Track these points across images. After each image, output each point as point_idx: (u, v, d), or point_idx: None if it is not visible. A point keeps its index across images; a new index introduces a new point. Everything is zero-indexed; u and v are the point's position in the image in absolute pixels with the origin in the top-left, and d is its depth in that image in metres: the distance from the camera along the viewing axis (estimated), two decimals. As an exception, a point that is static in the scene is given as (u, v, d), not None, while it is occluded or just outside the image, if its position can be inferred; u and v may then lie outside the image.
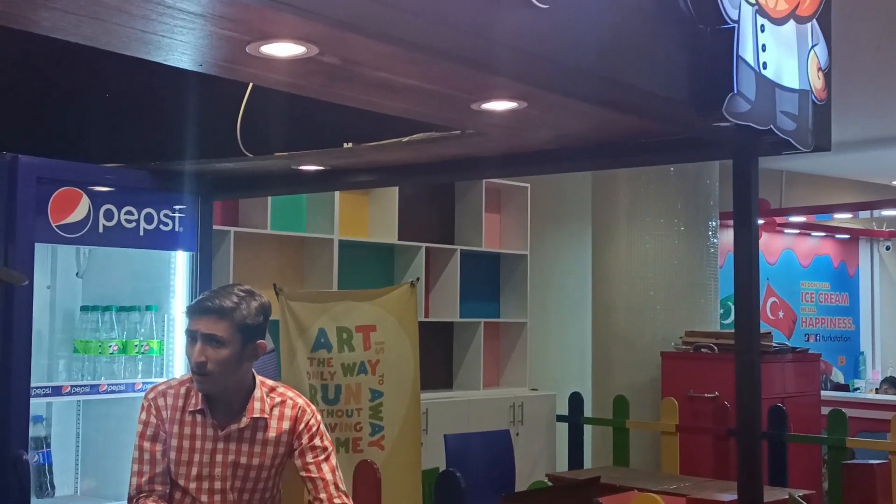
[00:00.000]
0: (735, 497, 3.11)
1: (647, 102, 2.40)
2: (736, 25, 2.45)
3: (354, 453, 4.82)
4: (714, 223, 7.11)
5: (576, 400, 6.63)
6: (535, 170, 3.71)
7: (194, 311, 2.80)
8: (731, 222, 9.17)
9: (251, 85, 3.08)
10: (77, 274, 3.82)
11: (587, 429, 6.81)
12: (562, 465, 6.70)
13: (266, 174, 3.64)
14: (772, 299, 9.62)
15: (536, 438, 6.73)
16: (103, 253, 3.74)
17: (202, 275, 3.67)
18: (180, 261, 3.72)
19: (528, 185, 7.07)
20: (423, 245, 6.48)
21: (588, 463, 6.82)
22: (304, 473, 2.95)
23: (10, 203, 3.17)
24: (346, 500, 2.96)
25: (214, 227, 5.41)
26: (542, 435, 6.79)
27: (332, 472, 2.97)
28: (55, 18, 1.88)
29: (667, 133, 2.85)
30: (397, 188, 6.28)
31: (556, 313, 7.79)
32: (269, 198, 5.61)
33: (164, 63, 2.19)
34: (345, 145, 3.19)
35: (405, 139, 3.06)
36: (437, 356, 6.83)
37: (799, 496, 4.76)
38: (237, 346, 2.79)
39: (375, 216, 6.40)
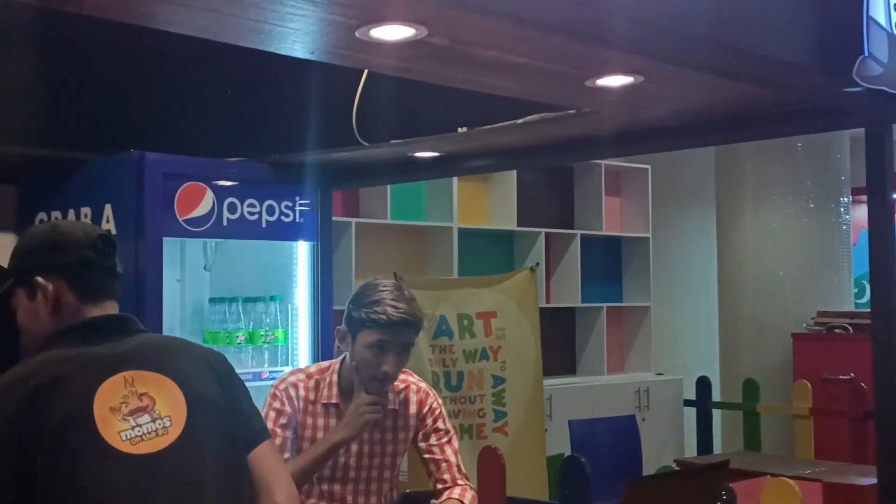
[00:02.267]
0: (874, 481, 2.98)
1: (769, 69, 2.30)
2: (865, -16, 2.33)
3: (478, 440, 4.82)
4: (846, 199, 6.83)
5: (703, 384, 6.48)
6: (653, 147, 3.62)
7: (391, 324, 2.73)
8: (863, 197, 8.83)
9: (365, 73, 3.10)
10: (205, 267, 3.93)
11: (716, 413, 6.66)
12: (690, 450, 6.57)
13: (382, 162, 3.66)
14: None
15: (663, 424, 6.61)
16: (229, 246, 3.83)
17: (324, 264, 3.72)
18: (302, 251, 3.77)
19: (648, 166, 6.94)
20: (543, 231, 6.43)
21: (718, 448, 6.66)
22: (427, 455, 2.95)
23: (139, 199, 3.27)
24: (468, 482, 2.95)
25: (336, 218, 5.52)
26: (668, 420, 6.67)
27: (455, 454, 2.97)
28: (170, 12, 1.92)
29: (792, 102, 2.73)
30: (515, 174, 6.24)
31: (680, 296, 7.63)
32: (389, 188, 5.65)
33: (277, 52, 2.22)
34: (459, 130, 3.18)
35: (520, 121, 3.03)
36: (560, 342, 6.78)
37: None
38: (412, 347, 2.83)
39: (494, 203, 6.38)
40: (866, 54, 2.29)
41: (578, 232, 6.64)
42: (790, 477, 3.85)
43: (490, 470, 3.94)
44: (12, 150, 3.36)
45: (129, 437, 1.77)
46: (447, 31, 2.11)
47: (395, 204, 5.76)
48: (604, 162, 6.71)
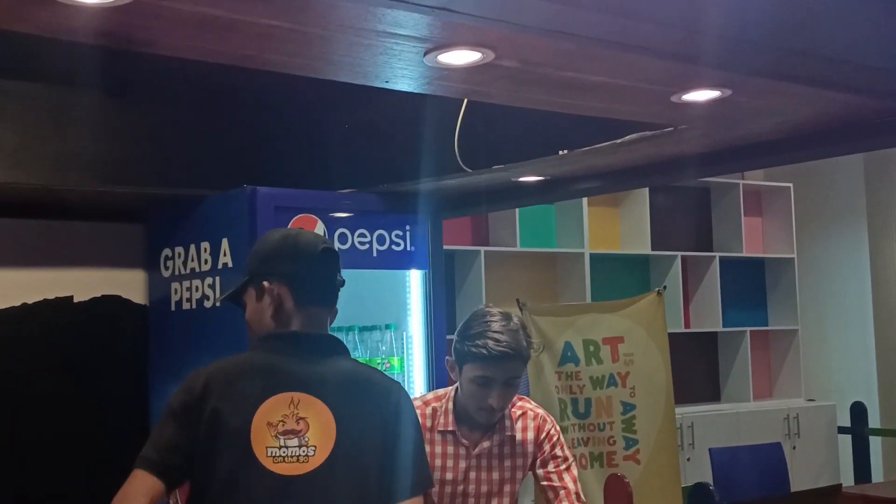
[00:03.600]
0: None
1: (862, 76, 2.20)
2: (961, -21, 2.20)
3: (609, 467, 4.74)
4: None
5: (858, 409, 6.19)
6: (756, 163, 3.51)
7: (491, 358, 2.71)
8: None
9: (465, 101, 3.14)
10: (324, 297, 4.03)
11: (875, 441, 6.32)
12: (847, 479, 6.25)
13: (488, 188, 3.68)
14: None
15: (816, 451, 6.32)
16: (347, 276, 3.91)
17: (436, 292, 3.76)
18: (415, 279, 3.82)
19: (790, 184, 6.70)
20: (679, 254, 6.29)
21: (878, 477, 6.32)
22: (545, 482, 2.92)
23: (252, 232, 3.39)
24: None
25: (465, 247, 5.59)
26: (822, 448, 6.37)
27: (574, 481, 2.93)
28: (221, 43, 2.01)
29: (890, 112, 2.59)
30: (648, 197, 6.15)
31: (831, 318, 7.29)
32: (517, 215, 5.67)
33: (353, 83, 2.28)
34: (559, 152, 3.17)
35: (618, 141, 2.99)
36: (702, 368, 6.59)
37: None
38: (521, 378, 2.83)
39: (627, 227, 6.29)
40: (965, 53, 2.16)
41: (717, 254, 6.47)
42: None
43: (616, 497, 3.89)
44: (139, 191, 3.56)
45: (273, 454, 1.90)
46: (515, 54, 2.12)
47: (525, 231, 5.76)
48: (742, 181, 6.53)
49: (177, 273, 3.72)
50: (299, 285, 2.08)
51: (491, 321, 2.76)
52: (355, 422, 1.97)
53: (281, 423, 1.91)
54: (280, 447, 1.89)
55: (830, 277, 7.31)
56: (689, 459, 5.76)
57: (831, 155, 3.16)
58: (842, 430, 6.31)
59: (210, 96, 3.63)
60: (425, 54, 2.10)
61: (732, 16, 2.12)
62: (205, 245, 3.57)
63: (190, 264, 3.67)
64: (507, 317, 2.79)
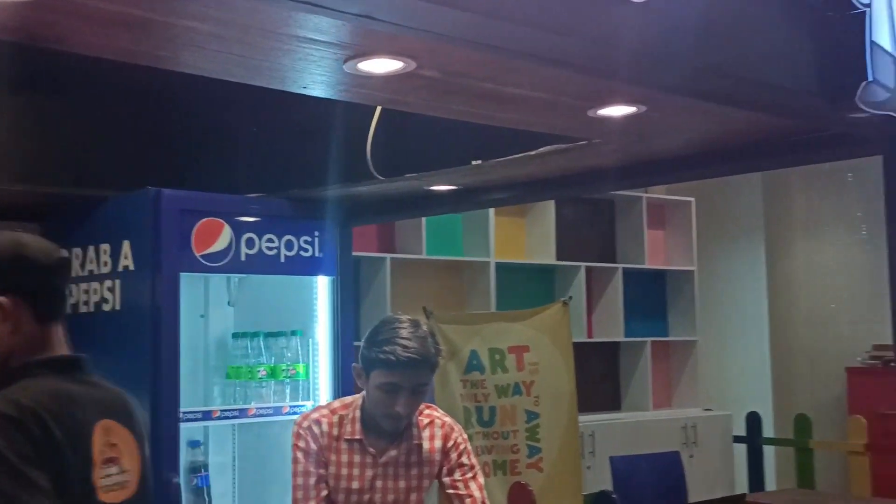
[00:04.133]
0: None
1: (770, 95, 2.25)
2: (868, 9, 2.27)
3: (512, 475, 4.75)
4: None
5: (753, 419, 6.35)
6: (667, 178, 3.58)
7: (399, 365, 2.69)
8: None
9: (379, 109, 3.11)
10: (228, 303, 3.96)
11: (769, 450, 6.50)
12: (741, 487, 6.41)
13: (400, 196, 3.66)
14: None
15: (712, 460, 6.46)
16: (253, 281, 3.85)
17: (343, 299, 3.72)
18: (322, 286, 3.78)
19: (692, 199, 6.85)
20: (583, 265, 6.36)
21: (771, 485, 6.50)
22: (451, 491, 2.91)
23: (156, 235, 3.31)
24: None
25: (371, 254, 5.54)
26: (718, 456, 6.52)
27: (480, 489, 2.93)
28: (155, 48, 1.95)
29: (804, 130, 2.66)
30: (554, 208, 6.20)
31: (729, 330, 7.48)
32: (424, 223, 5.65)
33: (270, 87, 2.23)
34: (473, 163, 3.16)
35: (532, 153, 3.00)
36: (603, 377, 6.68)
37: None
38: (428, 385, 2.81)
39: (533, 237, 6.34)
40: (871, 79, 2.23)
41: (620, 265, 6.57)
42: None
43: (520, 506, 3.90)
44: (37, 189, 3.43)
45: (103, 484, 1.78)
46: (436, 64, 2.11)
47: (432, 239, 5.75)
48: (645, 195, 6.65)
49: (74, 275, 3.60)
50: (38, 299, 1.82)
51: (399, 328, 2.74)
52: (141, 440, 1.92)
53: (101, 451, 1.78)
54: (105, 476, 1.78)
55: (729, 290, 7.51)
56: (589, 467, 5.82)
57: (739, 171, 3.25)
58: (737, 439, 6.47)
59: (114, 94, 3.51)
60: (345, 61, 2.06)
61: (648, 33, 2.14)
62: (104, 247, 3.47)
63: (88, 266, 3.55)
64: (415, 324, 2.78)
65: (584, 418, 6.02)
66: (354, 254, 5.37)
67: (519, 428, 4.84)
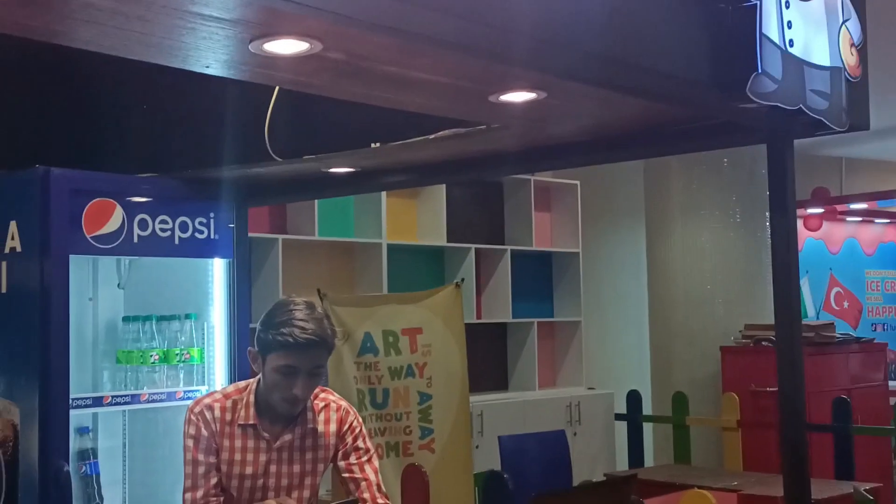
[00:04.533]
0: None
1: (664, 85, 2.33)
2: (759, 2, 2.37)
3: (405, 457, 4.80)
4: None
5: (634, 398, 6.53)
6: (564, 163, 3.65)
7: (297, 346, 2.68)
8: (789, 212, 8.73)
9: (277, 89, 3.08)
10: (118, 285, 3.86)
11: (649, 427, 6.70)
12: (622, 464, 6.60)
13: (298, 178, 3.64)
14: (836, 289, 9.36)
15: (595, 438, 6.64)
16: (144, 263, 3.78)
17: (240, 282, 3.68)
18: (218, 269, 3.73)
19: (577, 182, 7.00)
20: (473, 246, 6.44)
21: (650, 461, 6.71)
22: (346, 474, 2.92)
23: (44, 215, 3.20)
24: (388, 501, 2.93)
25: (262, 234, 5.48)
26: (600, 434, 6.70)
27: (375, 473, 2.95)
28: (53, 23, 1.89)
29: (695, 119, 2.77)
30: (444, 190, 6.25)
31: (611, 311, 7.69)
32: (317, 204, 5.62)
33: (171, 66, 2.19)
34: (372, 145, 3.17)
35: (431, 136, 3.02)
36: (492, 357, 6.78)
37: (865, 489, 4.62)
38: (325, 367, 2.79)
39: (424, 219, 6.38)
40: (760, 71, 2.33)
41: (509, 247, 6.67)
42: (715, 489, 3.89)
43: (414, 487, 3.94)
44: (-85, 167, 3.29)
45: None
46: (342, 46, 2.10)
47: (323, 220, 5.73)
48: (533, 177, 6.76)
49: (-43, 256, 3.47)
50: None
51: (295, 310, 2.74)
52: None
53: None
54: None
55: (612, 272, 7.71)
56: (478, 447, 5.90)
57: (630, 158, 3.34)
58: (619, 416, 6.65)
59: (2, 69, 3.38)
60: (250, 41, 2.04)
61: (549, 20, 2.19)
62: (-10, 227, 3.34)
63: (-28, 248, 3.42)
64: (311, 306, 2.78)
65: (473, 398, 6.09)
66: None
67: (412, 409, 4.88)
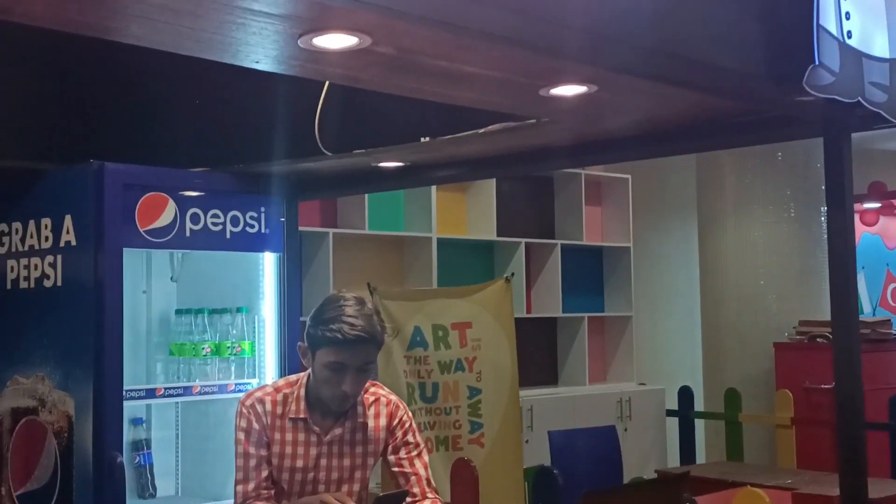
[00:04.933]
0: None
1: (718, 77, 2.29)
2: (815, -7, 2.32)
3: (454, 451, 4.80)
4: (826, 208, 6.82)
5: (685, 394, 6.46)
6: (615, 157, 3.64)
7: (346, 343, 2.68)
8: (845, 206, 8.57)
9: (327, 84, 3.09)
10: (171, 278, 3.91)
11: (700, 424, 6.63)
12: (673, 460, 6.54)
13: (348, 173, 3.65)
14: (893, 285, 9.17)
15: (646, 434, 6.59)
16: (197, 257, 3.81)
17: (290, 275, 3.70)
18: (268, 262, 3.75)
19: (628, 176, 6.93)
20: (523, 241, 6.41)
21: (701, 458, 6.63)
22: (396, 469, 2.93)
23: (98, 209, 3.25)
24: (437, 495, 2.93)
25: (313, 228, 5.52)
26: (651, 430, 6.65)
27: (425, 467, 2.95)
28: (104, 19, 1.91)
29: (749, 112, 2.72)
30: (494, 184, 6.24)
31: (663, 306, 7.61)
32: (367, 198, 5.64)
33: (221, 62, 2.20)
34: (422, 139, 3.17)
35: (481, 131, 3.01)
36: (541, 352, 6.76)
37: (923, 490, 4.53)
38: (375, 363, 2.80)
39: (474, 213, 6.37)
40: (817, 63, 2.28)
41: (559, 242, 6.63)
42: (768, 486, 3.84)
43: (463, 481, 3.93)
44: (-26, 162, 3.35)
45: None
46: (391, 41, 2.10)
47: (374, 214, 5.74)
48: (584, 171, 6.71)
49: (14, 250, 3.52)
50: None
51: (345, 306, 2.74)
52: None
53: None
54: None
55: (662, 267, 7.63)
56: (527, 441, 5.89)
57: (683, 152, 3.31)
58: (670, 412, 6.58)
59: (57, 66, 3.43)
60: (300, 37, 2.05)
61: (600, 13, 2.16)
62: (45, 221, 3.39)
63: (29, 241, 3.47)
64: (360, 301, 2.78)
65: (523, 393, 6.07)
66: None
67: (461, 404, 4.88)
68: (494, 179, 6.20)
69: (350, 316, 2.71)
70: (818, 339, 6.44)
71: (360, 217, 5.67)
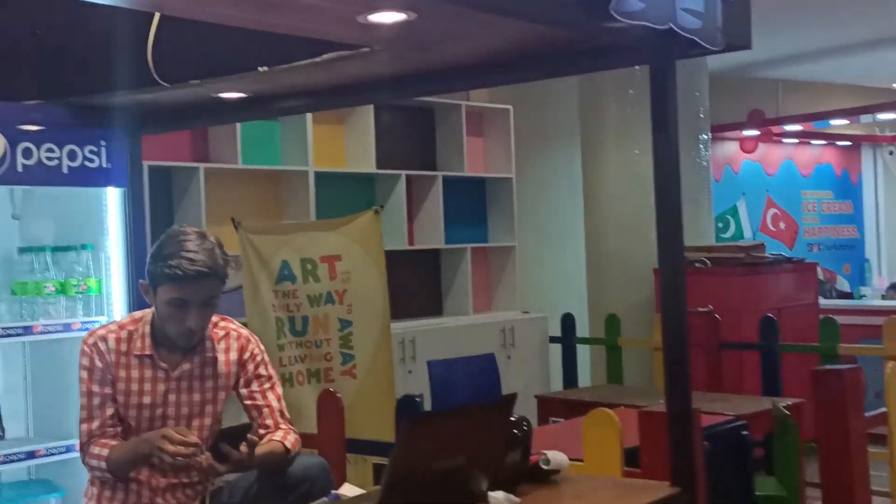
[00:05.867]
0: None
1: (535, 5, 2.28)
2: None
3: (326, 383, 4.81)
4: (706, 136, 6.94)
5: (567, 321, 6.58)
6: (455, 86, 3.64)
7: (187, 279, 2.65)
8: (725, 134, 9.07)
9: (158, 14, 3.00)
10: (13, 216, 3.80)
11: (584, 349, 6.76)
12: (557, 385, 6.67)
13: (190, 104, 3.56)
14: (772, 211, 9.42)
15: (529, 361, 6.69)
16: (40, 194, 3.71)
17: (135, 211, 3.62)
18: (112, 198, 3.67)
19: (510, 106, 6.93)
20: (404, 173, 6.38)
21: (585, 382, 6.78)
22: (248, 402, 2.94)
23: (-78, 146, 3.13)
24: (291, 426, 2.94)
25: (183, 164, 5.40)
26: (534, 357, 6.75)
27: (278, 399, 2.97)
28: None
29: (576, 41, 2.72)
30: (372, 116, 6.17)
31: (547, 236, 7.69)
32: (239, 132, 5.54)
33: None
34: (259, 69, 3.10)
35: (317, 59, 2.96)
36: (425, 284, 6.78)
37: (786, 405, 4.70)
38: (219, 297, 2.76)
39: (352, 145, 6.30)
40: (624, -11, 2.28)
41: (441, 173, 6.62)
42: (638, 406, 3.93)
43: (329, 413, 3.95)
44: None
45: None
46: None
47: (247, 148, 5.64)
48: (465, 102, 6.69)
49: None
50: None
51: (185, 240, 2.71)
52: None
53: None
54: None
55: (546, 197, 7.69)
56: (410, 372, 5.94)
57: (521, 80, 3.31)
58: (553, 339, 6.70)
59: None
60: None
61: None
62: None
63: None
64: (202, 236, 2.75)
65: (406, 324, 6.13)
66: (165, 163, 5.27)
67: (332, 336, 4.88)
68: (372, 110, 6.14)
69: (190, 251, 2.69)
70: (696, 265, 6.59)
71: (232, 151, 5.57)
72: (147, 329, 2.84)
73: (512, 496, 2.30)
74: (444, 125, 6.80)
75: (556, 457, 2.56)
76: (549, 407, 5.52)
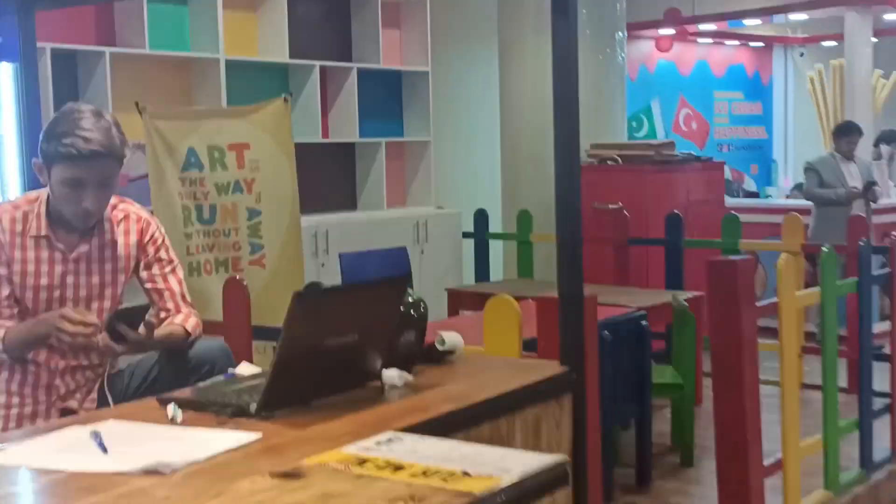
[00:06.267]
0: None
1: None
2: None
3: (235, 272, 4.80)
4: (621, 34, 6.95)
5: (481, 216, 6.65)
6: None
7: (81, 157, 2.57)
8: (641, 33, 9.05)
9: None
10: None
11: (498, 245, 6.84)
12: (469, 280, 6.77)
13: (86, -21, 3.44)
14: (685, 111, 9.53)
15: (442, 255, 6.76)
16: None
17: (28, 88, 3.50)
18: (4, 75, 3.54)
19: (427, -2, 6.83)
20: (318, 63, 6.29)
21: (498, 276, 6.88)
22: (149, 285, 2.92)
23: None
24: (192, 310, 2.93)
25: (87, 47, 5.24)
26: (447, 252, 6.81)
27: (179, 283, 2.95)
28: None
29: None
30: (286, 4, 6.03)
31: (463, 132, 7.69)
32: (146, 15, 5.38)
33: None
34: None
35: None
36: (339, 177, 6.76)
37: (685, 298, 4.85)
38: (117, 178, 2.70)
39: (265, 33, 6.17)
40: None
41: (356, 65, 6.54)
42: (537, 298, 4.01)
43: (233, 300, 3.95)
44: None
45: None
46: None
47: (155, 33, 5.48)
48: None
49: None
50: None
51: (80, 118, 2.64)
52: None
53: None
54: None
55: (464, 92, 7.66)
56: (323, 265, 5.96)
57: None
58: (466, 234, 6.77)
59: None
60: None
61: None
62: None
63: None
64: (97, 113, 2.68)
65: (320, 217, 6.12)
66: (69, 46, 5.11)
67: (240, 226, 4.85)
68: (286, -2, 6.01)
69: (85, 129, 2.62)
70: (608, 162, 6.67)
71: (139, 36, 5.41)
72: (42, 209, 2.78)
73: (405, 373, 2.34)
74: (360, 15, 6.69)
75: (452, 338, 2.60)
76: (460, 300, 5.61)
